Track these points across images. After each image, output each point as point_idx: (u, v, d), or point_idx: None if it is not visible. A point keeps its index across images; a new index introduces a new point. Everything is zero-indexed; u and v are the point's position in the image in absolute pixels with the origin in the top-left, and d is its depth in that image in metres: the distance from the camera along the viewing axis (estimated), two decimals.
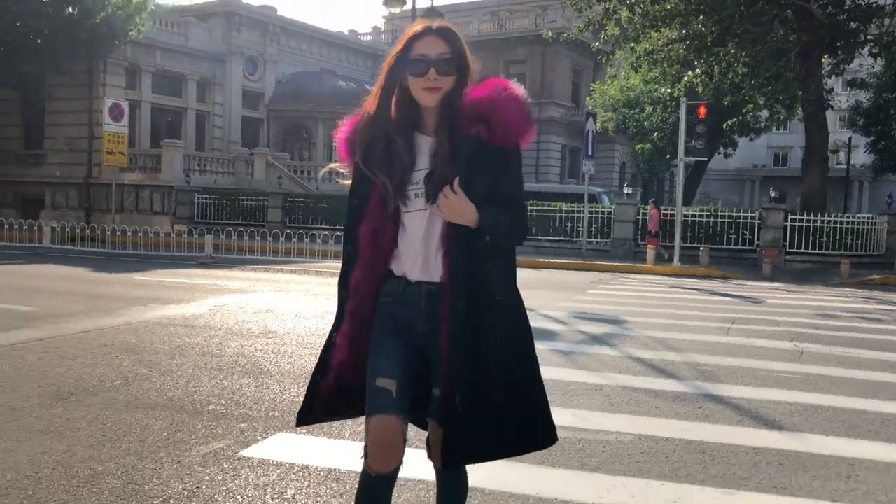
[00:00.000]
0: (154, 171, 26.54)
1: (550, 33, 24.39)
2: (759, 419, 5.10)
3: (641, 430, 4.74)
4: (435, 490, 2.58)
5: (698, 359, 7.09)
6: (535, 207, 23.10)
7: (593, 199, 26.47)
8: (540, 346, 6.96)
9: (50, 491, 3.51)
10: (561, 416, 4.85)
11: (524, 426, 2.37)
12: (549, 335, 8.14)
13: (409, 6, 21.36)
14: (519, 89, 2.24)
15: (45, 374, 5.77)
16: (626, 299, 12.06)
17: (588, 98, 33.14)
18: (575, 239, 22.15)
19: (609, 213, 22.23)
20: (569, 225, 22.65)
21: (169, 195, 26.00)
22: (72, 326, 7.83)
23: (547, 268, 18.63)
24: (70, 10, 23.78)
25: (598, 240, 22.16)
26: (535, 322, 8.64)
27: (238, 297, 10.65)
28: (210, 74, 31.72)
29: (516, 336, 2.35)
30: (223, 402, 5.12)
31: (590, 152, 20.23)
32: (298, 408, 2.46)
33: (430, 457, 2.39)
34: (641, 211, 21.77)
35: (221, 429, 4.53)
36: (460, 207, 2.17)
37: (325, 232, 20.01)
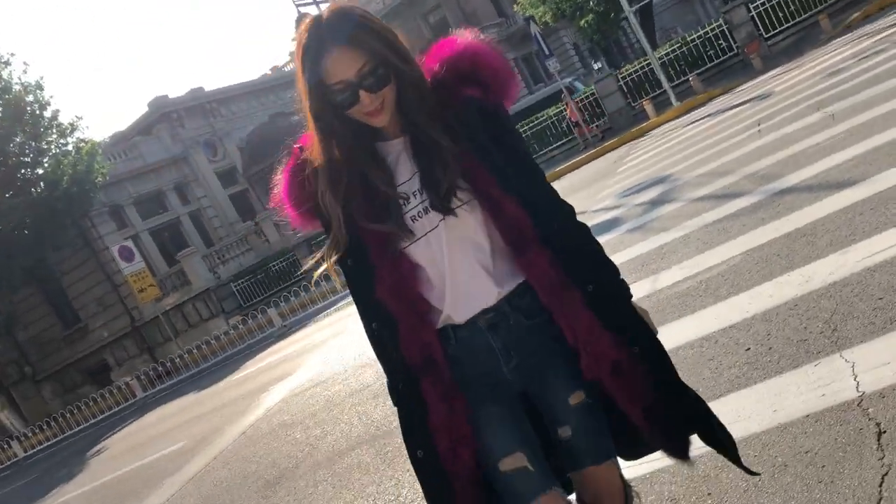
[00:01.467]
0: (185, 284, 27.28)
1: None
2: (832, 185, 5.53)
3: (743, 248, 5.19)
4: None
5: (751, 168, 7.51)
6: (526, 127, 23.44)
7: (570, 91, 26.71)
8: (617, 235, 7.46)
9: None
10: (673, 275, 5.36)
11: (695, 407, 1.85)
12: (615, 224, 8.58)
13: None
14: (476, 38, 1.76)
15: (250, 464, 6.39)
16: (654, 159, 12.44)
17: (515, 6, 33.08)
18: (575, 137, 22.46)
19: (593, 94, 22.46)
20: (563, 125, 22.95)
21: (209, 297, 26.74)
22: (225, 438, 8.48)
23: (566, 173, 18.99)
24: (34, 190, 24.45)
25: (597, 123, 22.44)
26: (594, 219, 9.17)
27: (334, 354, 11.23)
28: (181, 177, 32.34)
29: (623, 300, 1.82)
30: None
31: (546, 51, 20.47)
32: None
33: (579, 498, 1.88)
34: (619, 77, 21.98)
35: None
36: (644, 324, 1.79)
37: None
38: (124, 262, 24.30)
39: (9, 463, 21.50)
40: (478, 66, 1.72)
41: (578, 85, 26.69)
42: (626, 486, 1.90)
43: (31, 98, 24.63)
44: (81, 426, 20.77)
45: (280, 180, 1.80)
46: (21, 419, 28.99)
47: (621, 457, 1.87)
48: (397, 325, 1.72)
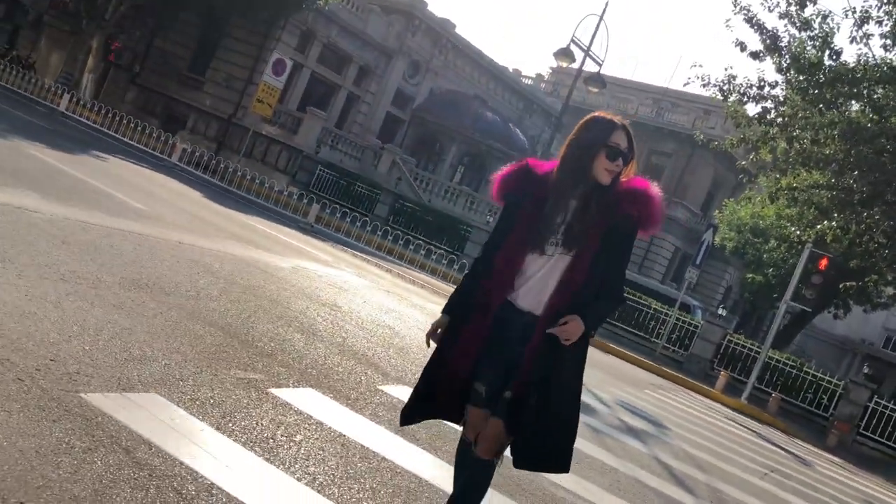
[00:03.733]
0: (292, 132, 27.73)
1: (703, 136, 24.21)
2: None
3: None
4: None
5: (721, 486, 7.00)
6: (627, 295, 22.93)
7: (687, 308, 26.10)
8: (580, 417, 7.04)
9: (104, 354, 3.90)
10: (565, 478, 4.98)
11: (563, 448, 2.94)
12: (589, 410, 8.16)
13: (576, 65, 21.77)
14: (658, 190, 2.89)
15: (134, 261, 6.28)
16: (677, 411, 11.89)
17: (717, 212, 32.61)
18: (653, 339, 21.86)
19: (696, 326, 21.83)
20: (652, 324, 22.37)
21: (295, 158, 27.11)
22: (170, 234, 8.41)
23: (615, 355, 18.46)
24: None
25: (676, 349, 21.78)
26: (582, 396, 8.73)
27: (320, 267, 11.10)
28: (374, 64, 32.96)
29: (580, 366, 2.94)
30: (272, 344, 5.46)
31: (698, 262, 20.03)
32: (402, 404, 3.10)
33: (472, 447, 2.98)
34: (728, 336, 21.28)
35: (262, 364, 4.86)
36: (575, 330, 2.79)
37: (420, 241, 20.44)
38: (272, 71, 24.90)
39: (44, 102, 22.18)
40: (649, 205, 2.84)
41: (699, 313, 26.08)
42: (501, 450, 2.95)
43: None
44: (121, 136, 21.23)
45: (506, 168, 3.04)
46: (95, 93, 29.97)
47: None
48: (492, 273, 2.92)
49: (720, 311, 28.77)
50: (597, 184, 2.86)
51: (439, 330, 3.05)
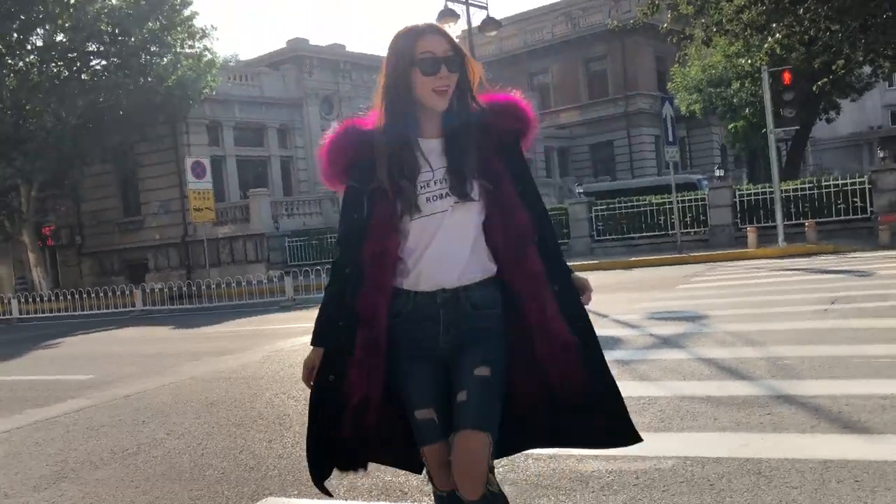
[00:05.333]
0: (244, 221, 27.05)
1: (616, 23, 23.36)
2: (839, 421, 4.22)
3: (689, 451, 3.97)
4: None
5: (780, 351, 6.16)
6: (623, 204, 22.09)
7: (693, 186, 25.10)
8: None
9: None
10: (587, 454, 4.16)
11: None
12: (612, 343, 7.34)
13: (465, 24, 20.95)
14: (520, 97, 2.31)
15: (60, 450, 5.52)
16: (716, 291, 11.03)
17: (669, 83, 31.59)
18: (670, 232, 20.92)
19: (703, 199, 20.88)
20: (661, 218, 21.43)
21: (261, 243, 26.42)
22: (116, 392, 7.67)
23: (640, 266, 17.62)
24: (144, 79, 24.62)
25: (696, 229, 20.84)
26: (602, 330, 7.93)
27: (298, 341, 10.32)
28: (289, 120, 32.26)
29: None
30: (224, 463, 4.68)
31: (670, 139, 19.06)
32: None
33: (455, 487, 2.12)
34: (737, 192, 20.34)
35: (208, 497, 4.08)
36: (587, 286, 2.32)
37: None
38: (193, 176, 24.20)
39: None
40: (526, 116, 2.27)
41: (705, 184, 25.11)
42: (490, 469, 2.11)
43: None
44: (84, 311, 20.63)
45: (328, 137, 2.25)
46: (54, 282, 29.44)
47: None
48: (364, 280, 2.15)
49: (717, 174, 27.72)
50: (456, 115, 2.17)
51: (315, 369, 2.29)
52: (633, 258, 18.83)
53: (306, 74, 32.68)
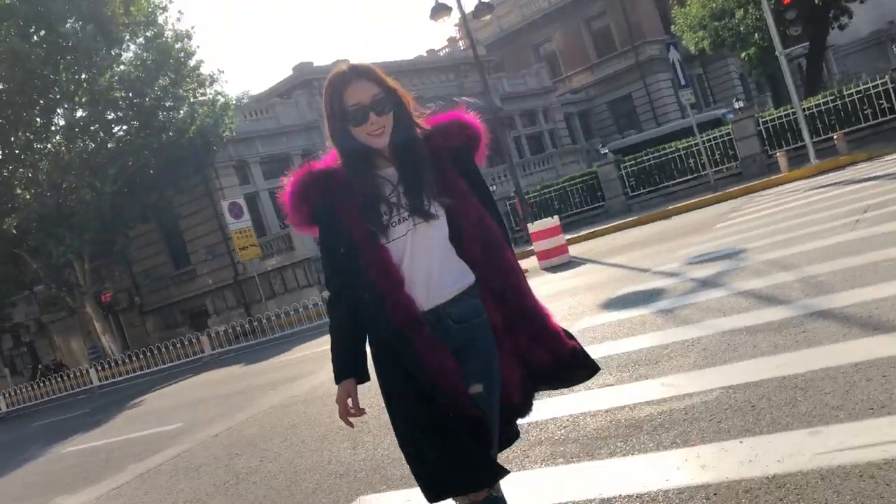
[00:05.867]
0: (289, 250, 27.73)
1: None
2: (869, 325, 4.48)
3: (731, 380, 4.28)
4: None
5: (813, 270, 6.39)
6: (651, 155, 22.15)
7: (718, 122, 24.99)
8: (644, 311, 6.58)
9: None
10: (650, 389, 4.53)
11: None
12: (654, 295, 7.62)
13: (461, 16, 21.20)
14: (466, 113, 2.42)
15: (169, 492, 6.04)
16: (752, 223, 11.18)
17: (672, 26, 31.35)
18: (702, 173, 20.93)
19: (729, 134, 20.82)
20: (691, 161, 21.44)
21: (308, 267, 27.07)
22: (206, 433, 8.21)
23: (678, 213, 17.72)
24: (165, 135, 25.44)
25: (727, 164, 20.81)
26: (645, 283, 8.22)
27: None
28: (309, 144, 32.85)
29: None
30: (316, 475, 5.13)
31: (682, 82, 19.10)
32: (396, 463, 2.33)
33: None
34: (760, 120, 20.25)
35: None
36: None
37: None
38: (232, 217, 24.95)
39: (80, 389, 22.64)
40: (472, 127, 2.37)
41: (730, 117, 24.97)
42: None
43: (179, 46, 25.58)
44: (156, 367, 21.51)
45: (287, 186, 2.32)
46: (122, 345, 30.58)
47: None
48: (385, 297, 2.19)
49: (736, 105, 27.47)
50: (403, 144, 2.28)
51: (349, 399, 2.36)
52: (670, 206, 18.93)
53: (317, 96, 33.22)
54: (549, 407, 4.77)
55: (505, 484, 2.38)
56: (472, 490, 2.19)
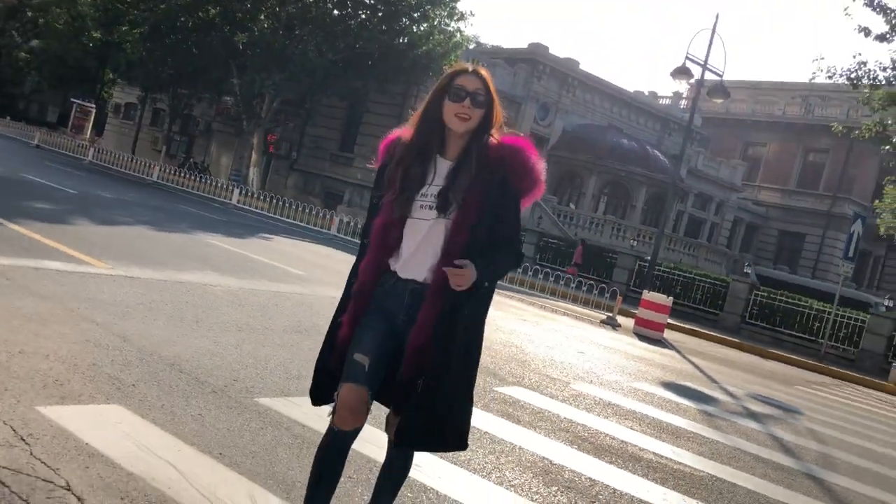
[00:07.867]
0: None
1: (841, 128, 23.69)
2: None
3: (718, 473, 5.55)
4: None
5: (837, 454, 7.45)
6: (784, 298, 22.61)
7: (867, 306, 25.04)
8: (690, 404, 7.82)
9: (270, 377, 5.29)
10: (659, 447, 5.84)
11: (456, 427, 2.75)
12: (707, 399, 8.81)
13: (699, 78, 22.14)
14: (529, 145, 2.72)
15: (293, 314, 7.81)
16: (824, 401, 12.02)
17: (876, 201, 31.03)
18: (820, 340, 21.34)
19: (863, 321, 21.10)
20: (816, 325, 21.84)
21: None
22: (323, 291, 10.00)
23: (777, 360, 18.31)
24: (399, 39, 27.63)
25: (845, 347, 21.13)
26: (705, 388, 9.40)
27: None
28: (506, 114, 34.44)
29: (475, 345, 2.76)
30: None
31: (850, 254, 19.54)
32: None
33: (386, 430, 2.80)
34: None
35: None
36: (468, 276, 2.55)
37: (569, 276, 21.34)
38: None
39: (219, 199, 25.29)
40: (532, 180, 2.68)
41: (882, 308, 25.00)
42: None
43: None
44: (285, 218, 23.86)
45: (390, 134, 2.82)
46: (261, 184, 33.47)
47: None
48: (369, 249, 2.71)
49: (886, 303, 27.24)
50: (470, 146, 2.65)
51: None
52: (772, 349, 19.53)
53: (535, 78, 34.75)
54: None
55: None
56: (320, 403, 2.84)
